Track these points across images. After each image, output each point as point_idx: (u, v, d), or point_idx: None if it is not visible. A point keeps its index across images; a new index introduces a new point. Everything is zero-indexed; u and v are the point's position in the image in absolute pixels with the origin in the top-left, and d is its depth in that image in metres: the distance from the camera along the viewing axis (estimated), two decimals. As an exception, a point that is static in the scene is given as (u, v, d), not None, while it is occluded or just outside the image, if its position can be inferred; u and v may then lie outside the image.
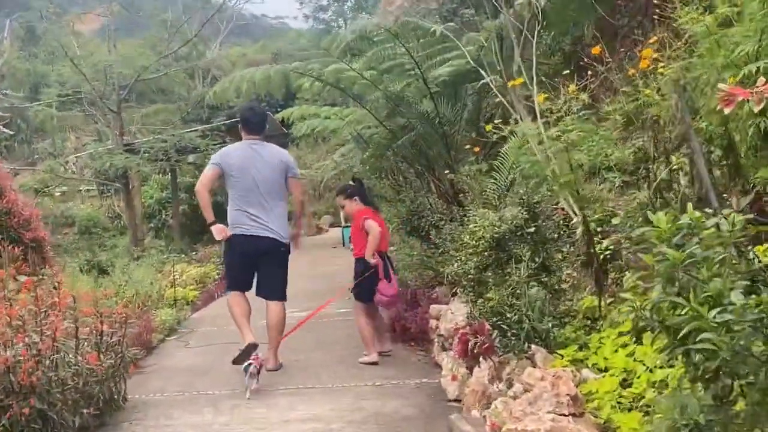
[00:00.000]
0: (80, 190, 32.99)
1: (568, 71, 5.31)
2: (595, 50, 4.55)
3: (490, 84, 6.16)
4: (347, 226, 16.66)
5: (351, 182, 6.24)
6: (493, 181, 6.72)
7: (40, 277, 6.08)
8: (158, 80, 22.86)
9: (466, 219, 6.00)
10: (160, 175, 18.30)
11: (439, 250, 6.35)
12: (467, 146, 7.73)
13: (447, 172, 7.46)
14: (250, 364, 4.61)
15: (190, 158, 16.24)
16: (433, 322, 5.77)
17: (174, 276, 9.13)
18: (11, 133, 33.24)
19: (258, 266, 5.15)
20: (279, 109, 18.35)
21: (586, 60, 5.01)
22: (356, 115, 15.09)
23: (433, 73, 8.02)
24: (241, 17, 49.62)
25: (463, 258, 4.58)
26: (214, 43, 38.86)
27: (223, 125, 15.06)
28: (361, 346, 5.54)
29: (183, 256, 11.87)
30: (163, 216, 18.58)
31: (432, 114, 8.30)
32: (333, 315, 7.20)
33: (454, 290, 6.06)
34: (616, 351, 3.38)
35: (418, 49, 7.85)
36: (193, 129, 14.44)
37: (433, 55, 7.97)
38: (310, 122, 17.82)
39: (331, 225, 27.62)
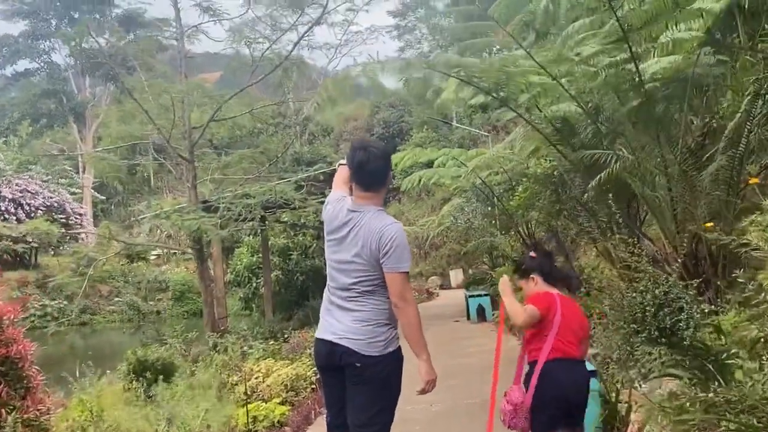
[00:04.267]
0: (174, 254, 31.55)
1: None
2: None
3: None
4: (474, 296, 13.26)
5: (532, 253, 3.53)
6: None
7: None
8: (250, 137, 20.72)
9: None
10: (251, 237, 15.92)
11: (740, 393, 3.15)
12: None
13: (710, 227, 4.27)
14: None
15: (284, 216, 13.75)
16: None
17: (248, 385, 6.27)
18: (102, 198, 32.74)
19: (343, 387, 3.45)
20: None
21: None
22: (484, 158, 12.16)
23: (648, 70, 5.03)
24: (337, 75, 48.64)
25: None
26: (309, 102, 37.35)
27: (322, 174, 12.46)
28: None
29: (272, 342, 9.07)
30: (254, 284, 16.17)
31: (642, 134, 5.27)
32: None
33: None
34: None
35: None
36: (284, 180, 11.90)
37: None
38: (423, 173, 15.10)
39: (440, 287, 24.93)
